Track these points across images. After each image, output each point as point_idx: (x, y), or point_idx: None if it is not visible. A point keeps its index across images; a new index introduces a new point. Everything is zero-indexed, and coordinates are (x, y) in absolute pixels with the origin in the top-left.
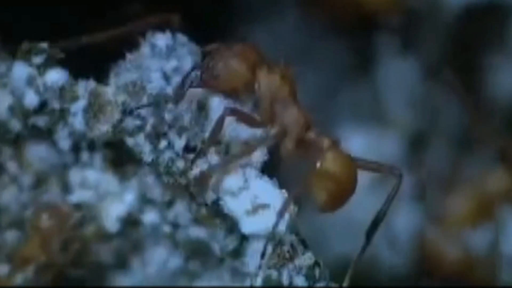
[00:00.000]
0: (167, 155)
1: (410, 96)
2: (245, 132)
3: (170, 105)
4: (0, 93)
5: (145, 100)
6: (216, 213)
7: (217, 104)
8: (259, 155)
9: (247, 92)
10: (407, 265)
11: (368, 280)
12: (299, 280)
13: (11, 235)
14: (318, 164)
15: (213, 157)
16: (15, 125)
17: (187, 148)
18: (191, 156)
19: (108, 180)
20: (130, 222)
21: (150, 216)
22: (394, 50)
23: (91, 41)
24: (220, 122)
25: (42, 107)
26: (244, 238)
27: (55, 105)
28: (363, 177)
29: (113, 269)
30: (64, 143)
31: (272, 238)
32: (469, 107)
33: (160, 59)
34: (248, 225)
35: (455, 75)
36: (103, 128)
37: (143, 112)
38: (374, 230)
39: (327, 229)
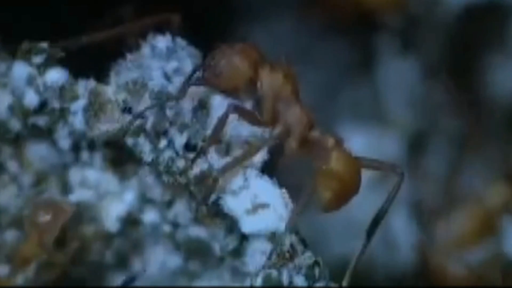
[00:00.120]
0: (167, 154)
1: (410, 96)
2: (246, 130)
3: (171, 103)
4: (0, 92)
5: (146, 97)
6: (216, 213)
7: (218, 102)
8: (259, 155)
9: (249, 91)
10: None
11: (367, 280)
12: (299, 280)
13: (11, 235)
14: (322, 163)
15: (213, 157)
16: (15, 124)
17: (188, 146)
18: (191, 155)
19: (108, 180)
20: (130, 221)
21: (150, 216)
22: (394, 50)
23: (91, 40)
24: (223, 119)
25: (42, 106)
26: (244, 238)
27: (55, 104)
28: (363, 177)
29: (113, 268)
30: (64, 142)
31: (273, 239)
32: (466, 113)
33: (161, 60)
34: (248, 225)
35: (454, 78)
36: (103, 127)
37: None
38: (375, 228)
39: (327, 228)
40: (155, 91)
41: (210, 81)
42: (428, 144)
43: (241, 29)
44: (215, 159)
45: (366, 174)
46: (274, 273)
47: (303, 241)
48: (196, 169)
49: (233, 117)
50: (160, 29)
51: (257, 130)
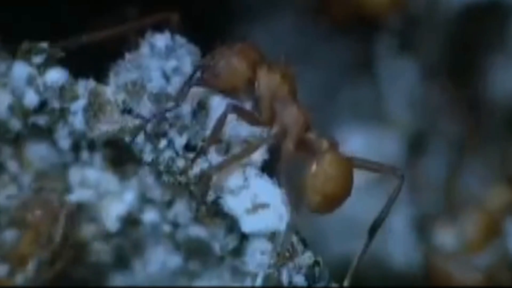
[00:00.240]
0: (167, 154)
1: (410, 97)
2: (245, 130)
3: (171, 105)
4: (0, 92)
5: (145, 99)
6: (216, 212)
7: (217, 103)
8: (259, 154)
9: (248, 91)
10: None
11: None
12: (299, 279)
13: (11, 235)
14: (314, 166)
15: (213, 156)
16: (15, 124)
17: (188, 147)
18: (191, 155)
19: (108, 180)
20: (130, 221)
21: (150, 216)
22: (394, 50)
23: (91, 40)
24: (222, 119)
25: (42, 106)
26: (244, 237)
27: (55, 104)
28: (363, 177)
29: (113, 268)
30: (64, 142)
31: (273, 238)
32: (466, 114)
33: (160, 59)
34: (248, 224)
35: (454, 79)
36: (103, 127)
37: (143, 112)
38: (376, 230)
39: (327, 228)
40: (154, 93)
41: (209, 82)
42: (428, 145)
43: (241, 29)
44: (215, 158)
45: (365, 174)
46: (274, 272)
47: (303, 241)
48: (196, 169)
49: (232, 117)
50: (159, 27)
51: (257, 130)
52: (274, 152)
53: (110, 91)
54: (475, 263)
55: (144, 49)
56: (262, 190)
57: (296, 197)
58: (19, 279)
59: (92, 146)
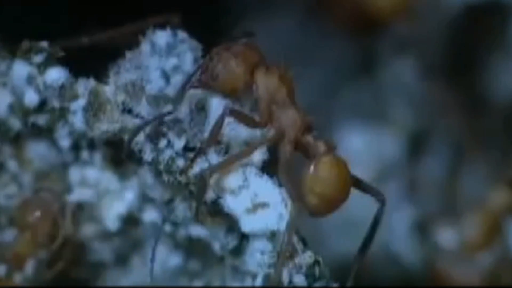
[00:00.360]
0: (167, 154)
1: (410, 96)
2: (244, 132)
3: (169, 107)
4: (0, 91)
5: (144, 100)
6: (216, 212)
7: (216, 105)
8: (258, 154)
9: (246, 93)
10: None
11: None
12: (299, 279)
13: (11, 235)
14: (312, 169)
15: (213, 157)
16: (15, 123)
17: (187, 149)
18: (191, 154)
19: (108, 179)
20: (130, 220)
21: (150, 215)
22: (394, 50)
23: (91, 41)
24: (219, 122)
25: (42, 105)
26: (244, 237)
27: (55, 103)
28: (363, 176)
29: (113, 268)
30: (64, 141)
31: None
32: (466, 113)
33: (160, 57)
34: (248, 224)
35: (454, 78)
36: (103, 127)
37: (143, 112)
38: (362, 256)
39: (327, 228)
40: (153, 95)
41: (207, 84)
42: (428, 145)
43: (242, 28)
44: (214, 159)
45: (364, 175)
46: (274, 272)
47: (303, 240)
48: (195, 169)
49: (230, 119)
50: (160, 27)
51: (256, 131)
52: (274, 152)
53: (110, 90)
54: (476, 263)
55: (145, 47)
56: (262, 189)
57: (296, 197)
58: (17, 279)
59: (92, 145)
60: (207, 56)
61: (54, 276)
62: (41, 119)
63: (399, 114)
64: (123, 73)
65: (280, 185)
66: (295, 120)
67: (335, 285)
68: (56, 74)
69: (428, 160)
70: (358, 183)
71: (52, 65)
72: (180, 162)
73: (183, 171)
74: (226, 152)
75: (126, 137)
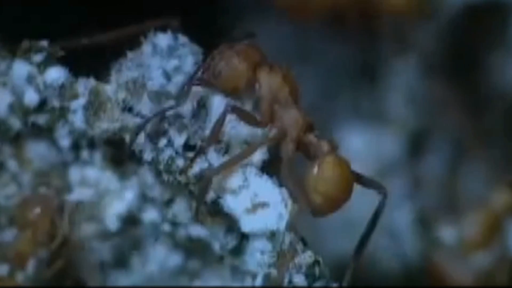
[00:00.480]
0: (167, 153)
1: (410, 96)
2: (245, 130)
3: (171, 105)
4: (0, 91)
5: (146, 97)
6: (216, 212)
7: (218, 103)
8: (258, 154)
9: (248, 92)
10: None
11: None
12: (299, 279)
13: (11, 234)
14: (315, 168)
15: (212, 156)
16: (15, 123)
17: (187, 146)
18: (191, 154)
19: (108, 178)
20: (130, 220)
21: (150, 215)
22: (394, 49)
23: (91, 41)
24: (221, 119)
25: (42, 105)
26: (244, 237)
27: (55, 103)
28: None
29: (113, 267)
30: (64, 141)
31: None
32: (466, 113)
33: (161, 58)
34: (248, 224)
35: (454, 78)
36: (103, 126)
37: (143, 110)
38: (362, 249)
39: (326, 228)
40: (154, 91)
41: (209, 82)
42: (429, 143)
43: (241, 28)
44: (214, 158)
45: (366, 173)
46: (274, 272)
47: (303, 240)
48: (195, 168)
49: (232, 117)
50: (161, 30)
51: (257, 130)
52: (274, 151)
53: (110, 89)
54: (471, 262)
55: (146, 48)
56: (261, 189)
57: (298, 196)
58: (18, 278)
59: (92, 145)
60: (209, 55)
61: (54, 275)
62: (41, 119)
63: (399, 113)
64: (125, 71)
65: (280, 185)
66: (297, 119)
67: (335, 285)
68: (56, 74)
69: (428, 159)
70: (359, 178)
71: (52, 65)
72: (180, 162)
73: (183, 171)
74: (226, 151)
75: (126, 136)
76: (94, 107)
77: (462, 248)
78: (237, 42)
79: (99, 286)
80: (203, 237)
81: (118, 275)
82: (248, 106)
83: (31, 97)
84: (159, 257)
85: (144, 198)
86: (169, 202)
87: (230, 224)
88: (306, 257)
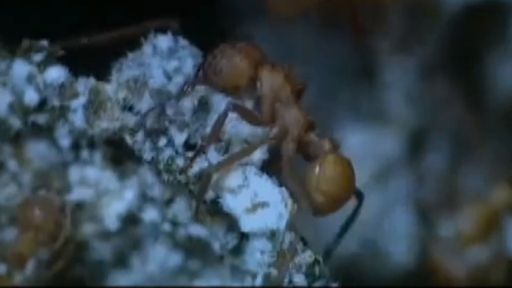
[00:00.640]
0: (167, 153)
1: (410, 95)
2: (245, 129)
3: (172, 101)
4: (0, 91)
5: (147, 95)
6: (216, 211)
7: (219, 101)
8: (258, 153)
9: (249, 90)
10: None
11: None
12: (299, 278)
13: (11, 234)
14: (317, 167)
15: (212, 155)
16: (15, 122)
17: (188, 145)
18: (191, 154)
19: (108, 178)
20: (130, 220)
21: (150, 214)
22: (394, 48)
23: (91, 42)
24: (222, 117)
25: (42, 104)
26: (244, 236)
27: (55, 102)
28: (362, 176)
29: (113, 267)
30: (64, 140)
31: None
32: (466, 112)
33: (162, 59)
34: (247, 223)
35: (454, 77)
36: (103, 125)
37: (144, 109)
38: (334, 245)
39: (326, 228)
40: (156, 89)
41: (210, 79)
42: (428, 143)
43: (241, 29)
44: (214, 157)
45: (365, 174)
46: (273, 271)
47: (303, 240)
48: (195, 168)
49: (232, 116)
50: (161, 31)
51: (257, 129)
52: (274, 151)
53: (111, 88)
54: (470, 256)
55: (147, 49)
56: (261, 189)
57: (299, 196)
58: (17, 278)
59: (92, 144)
60: (211, 53)
61: (54, 275)
62: (41, 118)
63: (399, 113)
64: (126, 70)
65: (280, 185)
66: (298, 118)
67: (334, 284)
68: (56, 73)
69: (428, 158)
70: None
71: (52, 64)
72: (180, 161)
73: (183, 171)
74: (226, 150)
75: (126, 135)
76: (94, 106)
77: (459, 241)
78: (238, 42)
79: (99, 286)
80: (203, 236)
81: (118, 275)
82: (248, 106)
83: (31, 97)
84: (159, 257)
85: (144, 198)
86: (169, 202)
87: (230, 223)
88: (306, 257)
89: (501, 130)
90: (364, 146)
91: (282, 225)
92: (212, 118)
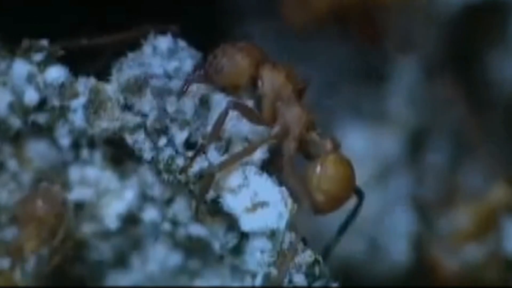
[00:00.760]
0: (167, 152)
1: (410, 94)
2: (246, 128)
3: (172, 99)
4: (0, 90)
5: (147, 95)
6: (216, 211)
7: (220, 100)
8: (258, 153)
9: (250, 89)
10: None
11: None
12: (299, 278)
13: (11, 233)
14: (318, 166)
15: (213, 154)
16: (15, 122)
17: (188, 143)
18: (191, 153)
19: (108, 178)
20: (130, 219)
21: (150, 214)
22: (395, 48)
23: (90, 42)
24: (223, 115)
25: (42, 104)
26: (244, 236)
27: (55, 102)
28: (362, 176)
29: (113, 267)
30: (64, 140)
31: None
32: (467, 111)
33: (162, 59)
34: (248, 223)
35: (454, 76)
36: (103, 125)
37: (144, 109)
38: (333, 245)
39: (326, 227)
40: (157, 87)
41: (211, 78)
42: (429, 143)
43: (241, 31)
44: (214, 157)
45: (365, 173)
46: (273, 271)
47: (303, 239)
48: (195, 167)
49: (233, 115)
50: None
51: (258, 128)
52: (274, 150)
53: (111, 88)
54: (466, 254)
55: (147, 49)
56: (261, 188)
57: (299, 195)
58: (18, 272)
59: (92, 144)
60: (211, 52)
61: (52, 272)
62: (41, 118)
63: (400, 113)
64: (126, 70)
65: (280, 184)
66: (300, 117)
67: (334, 284)
68: (56, 73)
69: (429, 157)
70: None
71: (52, 64)
72: (180, 161)
73: (183, 170)
74: (226, 149)
75: (126, 135)
76: (94, 106)
77: (454, 238)
78: (238, 41)
79: (99, 286)
80: (203, 236)
81: (118, 274)
82: (249, 105)
83: (31, 96)
84: (159, 257)
85: (144, 198)
86: (169, 202)
87: (230, 223)
88: (306, 257)
89: (501, 130)
90: (365, 145)
91: (282, 224)
92: (213, 117)
